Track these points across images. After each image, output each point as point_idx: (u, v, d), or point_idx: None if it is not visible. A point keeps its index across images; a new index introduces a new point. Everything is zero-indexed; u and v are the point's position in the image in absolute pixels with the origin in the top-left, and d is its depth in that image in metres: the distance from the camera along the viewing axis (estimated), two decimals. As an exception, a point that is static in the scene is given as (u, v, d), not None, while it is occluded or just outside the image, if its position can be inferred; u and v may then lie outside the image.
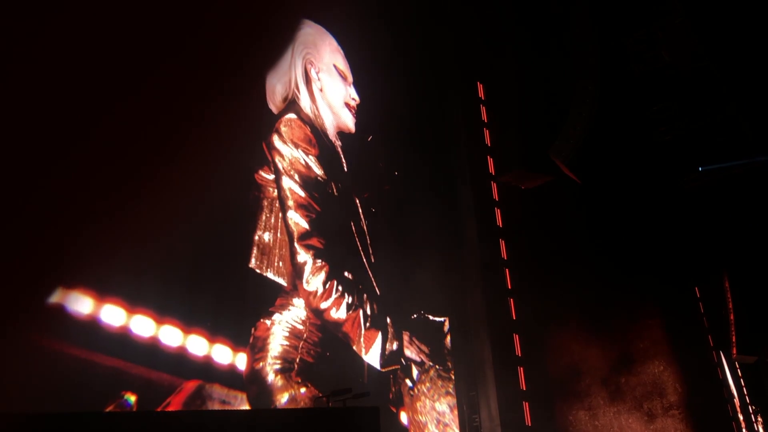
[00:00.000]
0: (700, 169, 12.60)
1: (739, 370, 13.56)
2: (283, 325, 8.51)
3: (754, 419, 13.32)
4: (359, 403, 6.93)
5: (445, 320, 11.62)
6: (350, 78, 10.83)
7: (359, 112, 10.84)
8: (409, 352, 10.52)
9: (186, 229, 7.02)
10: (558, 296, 12.05)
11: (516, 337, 11.77)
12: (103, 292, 6.53)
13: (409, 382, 10.36)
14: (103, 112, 6.04)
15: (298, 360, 8.48)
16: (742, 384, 13.44)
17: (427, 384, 10.78)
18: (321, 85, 10.17)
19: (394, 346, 10.22)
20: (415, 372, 10.55)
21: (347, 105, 10.63)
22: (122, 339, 6.72)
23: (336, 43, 10.83)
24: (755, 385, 13.40)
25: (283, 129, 9.30)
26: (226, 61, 7.83)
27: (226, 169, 7.73)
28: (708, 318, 13.85)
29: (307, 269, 9.00)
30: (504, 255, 12.37)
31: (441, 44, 13.41)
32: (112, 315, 6.66)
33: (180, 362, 7.21)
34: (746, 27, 10.89)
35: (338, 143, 10.37)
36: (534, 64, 12.47)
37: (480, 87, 13.70)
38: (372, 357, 9.74)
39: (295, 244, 8.97)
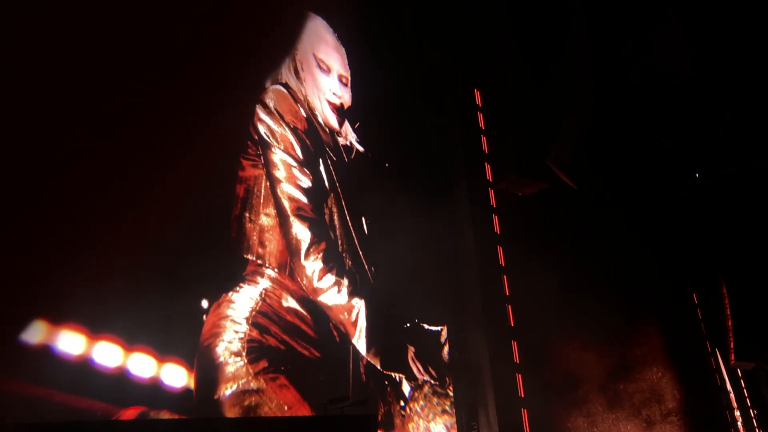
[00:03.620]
0: (696, 175, 12.61)
1: (740, 375, 13.55)
2: (242, 303, 7.61)
3: (756, 425, 13.29)
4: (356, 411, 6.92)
5: (442, 329, 11.10)
6: (335, 70, 10.26)
7: (355, 116, 10.59)
8: (414, 368, 9.85)
9: (131, 225, 5.96)
10: (556, 303, 12.02)
11: (514, 344, 11.74)
12: (16, 299, 5.27)
13: (400, 401, 9.51)
14: (81, 119, 5.76)
15: (259, 342, 7.60)
16: (743, 386, 13.42)
17: (421, 402, 9.92)
18: (304, 76, 9.67)
19: (397, 353, 9.61)
20: (407, 389, 9.72)
21: (328, 102, 10.00)
22: (43, 360, 5.47)
23: (324, 29, 10.30)
24: (753, 391, 13.37)
25: (267, 100, 8.79)
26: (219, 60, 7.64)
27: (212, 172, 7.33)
28: (706, 324, 13.85)
29: (305, 243, 8.49)
30: (502, 261, 12.35)
31: (438, 51, 13.42)
32: (31, 330, 5.37)
33: (118, 387, 5.99)
34: (742, 33, 10.93)
35: (328, 131, 9.96)
36: (531, 71, 12.49)
37: (477, 94, 13.73)
38: (371, 355, 9.09)
39: (291, 218, 8.47)
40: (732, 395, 13.35)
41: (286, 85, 9.24)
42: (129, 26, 6.50)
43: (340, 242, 9.39)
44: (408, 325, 10.46)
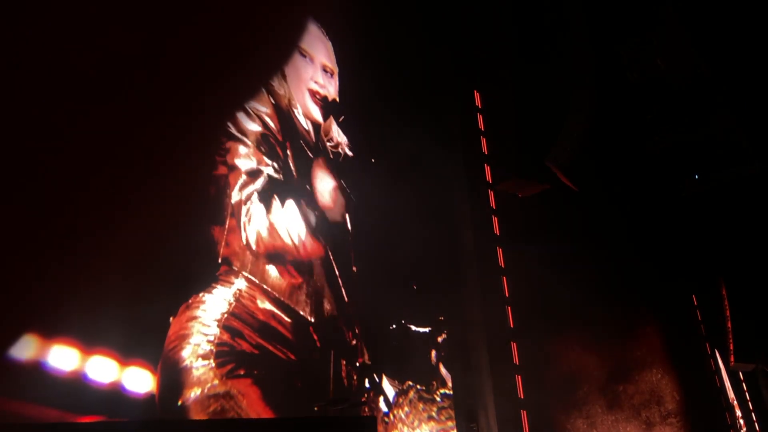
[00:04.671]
0: (696, 176, 12.61)
1: (742, 378, 13.56)
2: (213, 304, 7.11)
3: (757, 427, 13.29)
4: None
5: (429, 330, 10.59)
6: (318, 59, 9.75)
7: (351, 118, 10.25)
8: (388, 387, 9.16)
9: (93, 221, 5.72)
10: (556, 304, 12.03)
11: (514, 345, 11.73)
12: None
13: (383, 407, 8.88)
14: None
15: (230, 345, 7.10)
16: (745, 389, 13.44)
17: (406, 408, 9.29)
18: (288, 70, 9.18)
19: (364, 380, 8.79)
20: (391, 394, 9.15)
21: (310, 92, 9.40)
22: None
23: (312, 24, 9.76)
24: (754, 393, 13.39)
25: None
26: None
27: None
28: (705, 326, 13.86)
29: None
30: (501, 263, 12.35)
31: (437, 52, 13.42)
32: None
33: (74, 393, 5.38)
34: (742, 34, 10.93)
35: (310, 129, 9.40)
36: (530, 72, 12.49)
37: (477, 95, 13.73)
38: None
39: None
40: (732, 397, 13.35)
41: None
42: (122, 23, 6.37)
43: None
44: (393, 326, 10.00)
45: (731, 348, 13.15)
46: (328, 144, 9.89)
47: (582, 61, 11.97)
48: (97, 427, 5.51)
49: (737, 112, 11.42)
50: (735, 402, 13.25)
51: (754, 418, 13.27)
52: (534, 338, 11.99)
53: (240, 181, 7.97)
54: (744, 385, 13.43)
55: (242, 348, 7.22)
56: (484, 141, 13.27)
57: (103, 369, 5.66)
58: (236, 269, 7.53)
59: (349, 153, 10.45)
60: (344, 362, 8.70)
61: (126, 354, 5.89)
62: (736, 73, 11.12)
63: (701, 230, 13.24)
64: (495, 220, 12.68)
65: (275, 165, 8.50)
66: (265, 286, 7.84)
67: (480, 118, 13.54)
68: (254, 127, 8.31)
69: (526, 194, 12.61)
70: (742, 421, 13.21)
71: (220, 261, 7.43)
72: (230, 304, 7.27)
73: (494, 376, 11.18)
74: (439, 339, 10.91)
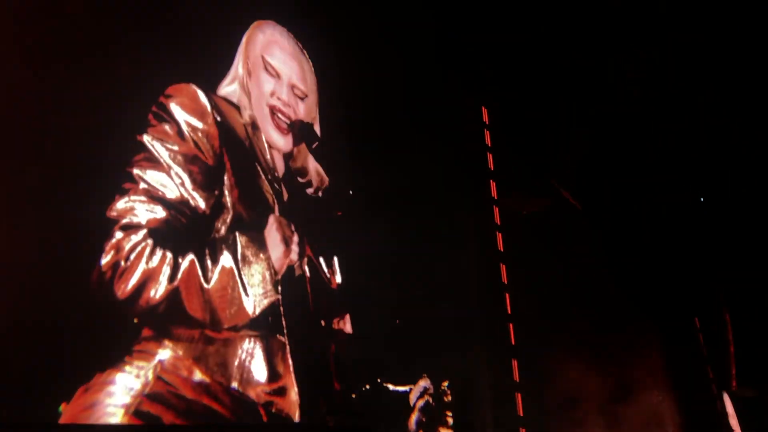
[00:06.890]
0: (701, 199, 12.64)
1: (742, 402, 13.41)
2: (122, 386, 5.53)
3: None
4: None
5: (410, 389, 8.95)
6: (285, 76, 7.96)
7: (349, 131, 9.25)
8: None
9: None
10: (557, 322, 12.01)
11: (514, 363, 11.68)
12: None
13: None
14: None
15: None
16: (744, 413, 13.27)
17: None
18: (251, 87, 7.57)
19: None
20: None
21: (272, 109, 7.70)
22: None
23: (283, 36, 8.21)
24: (756, 418, 13.24)
25: (168, 97, 6.35)
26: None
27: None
28: (708, 349, 13.78)
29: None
30: (504, 279, 12.33)
31: (444, 70, 13.48)
32: None
33: None
34: (742, 35, 10.99)
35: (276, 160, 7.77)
36: (536, 87, 12.58)
37: (485, 111, 13.79)
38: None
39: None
40: (733, 421, 13.21)
41: (207, 93, 6.84)
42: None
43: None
44: (367, 387, 8.45)
45: (733, 373, 13.07)
46: (300, 180, 8.26)
47: (585, 77, 12.06)
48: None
49: (738, 115, 11.48)
50: (734, 424, 13.11)
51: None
52: (534, 356, 11.95)
53: (159, 216, 6.02)
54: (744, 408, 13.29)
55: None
56: (490, 157, 13.31)
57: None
58: (157, 334, 5.99)
59: (316, 172, 8.65)
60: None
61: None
62: (737, 79, 11.17)
63: (705, 251, 13.24)
64: (499, 236, 12.67)
65: (197, 190, 6.43)
66: (196, 354, 6.23)
67: (487, 134, 13.60)
68: (171, 144, 6.22)
69: (530, 211, 12.64)
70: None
71: (136, 322, 5.84)
72: (145, 384, 5.71)
73: (494, 393, 11.12)
74: (421, 402, 9.13)
